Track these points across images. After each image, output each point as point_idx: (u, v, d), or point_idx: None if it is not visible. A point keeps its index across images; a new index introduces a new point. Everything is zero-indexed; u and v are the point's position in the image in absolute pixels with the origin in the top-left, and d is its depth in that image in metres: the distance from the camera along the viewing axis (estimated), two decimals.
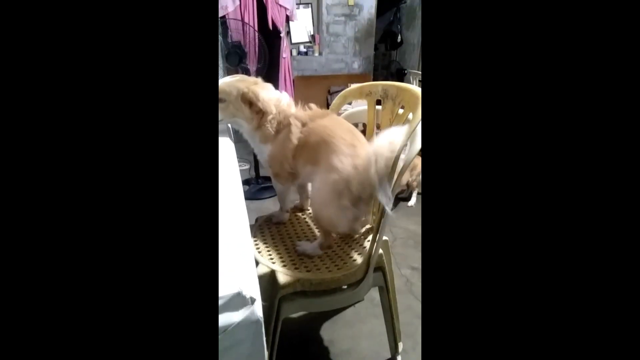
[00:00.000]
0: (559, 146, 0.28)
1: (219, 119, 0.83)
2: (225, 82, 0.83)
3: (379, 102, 0.90)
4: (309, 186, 0.91)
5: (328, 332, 1.11)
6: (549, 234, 0.29)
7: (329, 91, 3.78)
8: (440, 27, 0.32)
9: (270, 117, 0.81)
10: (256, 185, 2.23)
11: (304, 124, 0.82)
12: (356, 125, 0.85)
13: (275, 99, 0.83)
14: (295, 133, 0.81)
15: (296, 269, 0.77)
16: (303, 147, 0.81)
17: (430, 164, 0.33)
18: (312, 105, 0.87)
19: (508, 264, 0.29)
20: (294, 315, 1.12)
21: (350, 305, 1.22)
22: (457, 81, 0.31)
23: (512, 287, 0.29)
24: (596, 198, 0.28)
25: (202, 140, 0.31)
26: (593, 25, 0.28)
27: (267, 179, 2.20)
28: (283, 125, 0.82)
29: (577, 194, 0.28)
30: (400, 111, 0.81)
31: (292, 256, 0.81)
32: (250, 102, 0.80)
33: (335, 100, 0.99)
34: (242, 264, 0.34)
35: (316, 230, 0.92)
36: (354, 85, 0.95)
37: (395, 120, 0.82)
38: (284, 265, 0.78)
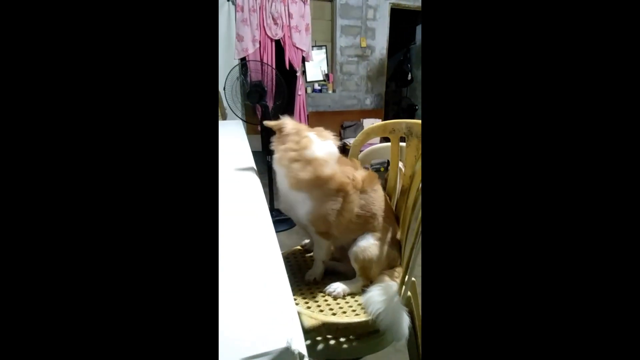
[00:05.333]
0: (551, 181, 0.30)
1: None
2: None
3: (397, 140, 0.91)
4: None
5: None
6: (545, 260, 0.29)
7: (341, 125, 3.87)
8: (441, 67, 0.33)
9: (296, 151, 0.76)
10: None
11: (362, 191, 0.81)
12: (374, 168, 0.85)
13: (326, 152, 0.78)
14: (356, 202, 0.79)
15: (321, 311, 0.73)
16: (357, 217, 0.80)
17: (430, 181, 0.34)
18: (355, 161, 0.88)
19: (506, 281, 0.30)
20: None
21: None
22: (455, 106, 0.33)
23: (513, 306, 0.30)
24: (596, 209, 0.28)
25: (202, 139, 0.31)
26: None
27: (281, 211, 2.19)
28: (334, 189, 0.77)
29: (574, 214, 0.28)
30: None
31: (317, 298, 0.78)
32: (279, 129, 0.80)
33: (358, 137, 1.00)
34: (287, 316, 0.32)
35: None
36: (376, 123, 0.97)
37: (421, 157, 0.82)
38: (308, 307, 0.74)
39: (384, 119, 4.10)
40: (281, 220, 2.18)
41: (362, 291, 0.79)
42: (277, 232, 0.56)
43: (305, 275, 0.86)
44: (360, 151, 1.01)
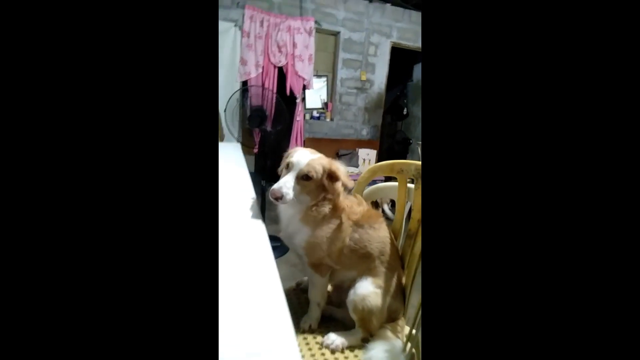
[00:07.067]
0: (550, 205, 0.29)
1: (296, 195, 0.74)
2: (312, 159, 0.76)
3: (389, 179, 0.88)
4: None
5: None
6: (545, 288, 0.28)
7: (337, 153, 3.88)
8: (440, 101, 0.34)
9: (330, 196, 0.76)
10: None
11: (358, 224, 0.78)
12: (374, 203, 0.83)
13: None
14: (348, 231, 0.77)
15: None
16: (350, 251, 0.77)
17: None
18: (359, 198, 0.86)
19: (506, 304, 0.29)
20: None
21: None
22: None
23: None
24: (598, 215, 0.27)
25: (202, 143, 0.32)
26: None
27: (274, 238, 2.11)
28: (332, 214, 0.76)
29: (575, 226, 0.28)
30: None
31: (314, 351, 0.71)
32: (333, 178, 0.76)
33: (364, 174, 0.97)
34: None
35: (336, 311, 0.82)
36: (384, 162, 0.94)
37: None
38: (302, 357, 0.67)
39: (379, 150, 4.15)
40: (273, 248, 2.09)
41: (362, 344, 0.72)
42: None
43: (301, 321, 0.78)
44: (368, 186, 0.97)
